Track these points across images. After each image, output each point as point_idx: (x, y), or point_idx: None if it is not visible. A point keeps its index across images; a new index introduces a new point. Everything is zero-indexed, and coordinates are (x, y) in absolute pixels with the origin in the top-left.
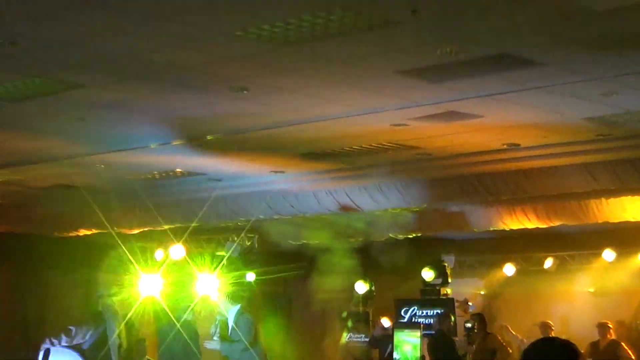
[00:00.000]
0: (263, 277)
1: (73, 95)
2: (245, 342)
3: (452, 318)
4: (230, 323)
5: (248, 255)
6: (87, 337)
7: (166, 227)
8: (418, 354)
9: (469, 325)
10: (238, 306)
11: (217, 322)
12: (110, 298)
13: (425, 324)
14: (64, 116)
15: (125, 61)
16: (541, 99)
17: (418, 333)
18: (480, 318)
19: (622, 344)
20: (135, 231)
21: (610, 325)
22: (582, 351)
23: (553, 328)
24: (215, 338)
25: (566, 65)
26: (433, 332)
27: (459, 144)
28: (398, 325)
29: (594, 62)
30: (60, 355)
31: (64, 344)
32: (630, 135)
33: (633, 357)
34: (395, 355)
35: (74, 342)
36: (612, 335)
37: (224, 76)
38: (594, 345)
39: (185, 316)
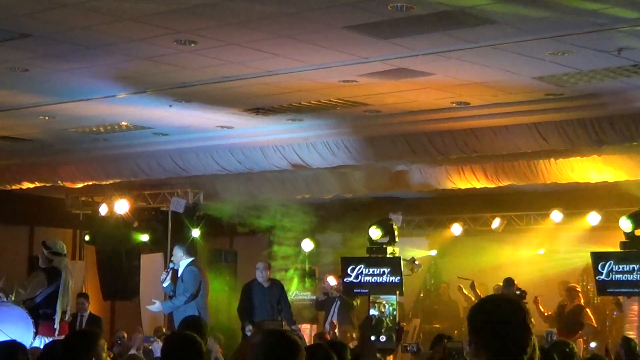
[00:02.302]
0: (208, 233)
1: (18, 45)
2: (187, 295)
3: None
4: (180, 273)
5: (193, 211)
6: (38, 292)
7: (110, 181)
8: (395, 312)
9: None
10: (191, 259)
11: (168, 270)
12: (64, 260)
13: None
14: (7, 66)
15: (72, 11)
16: (492, 57)
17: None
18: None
19: (587, 310)
20: (79, 185)
21: (578, 289)
22: (551, 312)
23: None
24: (165, 284)
25: (517, 23)
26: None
27: (409, 102)
28: (374, 289)
29: (544, 21)
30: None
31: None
32: (580, 96)
33: (595, 325)
34: (373, 312)
35: (27, 297)
36: (580, 300)
37: (171, 28)
38: (562, 307)
39: None
